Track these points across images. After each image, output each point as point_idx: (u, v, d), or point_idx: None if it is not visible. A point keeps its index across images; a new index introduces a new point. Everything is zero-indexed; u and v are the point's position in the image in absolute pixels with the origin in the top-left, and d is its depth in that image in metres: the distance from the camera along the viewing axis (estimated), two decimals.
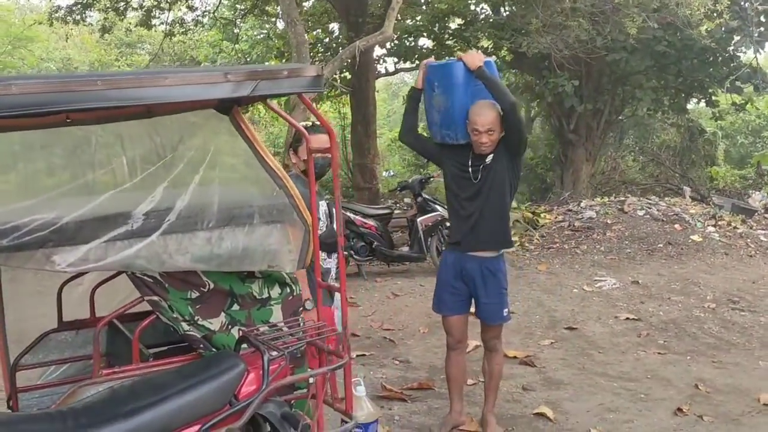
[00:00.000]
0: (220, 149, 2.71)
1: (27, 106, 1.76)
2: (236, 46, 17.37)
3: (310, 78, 2.18)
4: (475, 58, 3.51)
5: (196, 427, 2.20)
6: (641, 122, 17.37)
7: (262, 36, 18.07)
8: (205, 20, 15.15)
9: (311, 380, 2.63)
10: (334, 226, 3.68)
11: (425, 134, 4.23)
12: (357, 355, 5.28)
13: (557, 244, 9.24)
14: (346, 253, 7.67)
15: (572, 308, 6.62)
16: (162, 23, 14.19)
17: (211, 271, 2.71)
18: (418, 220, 7.93)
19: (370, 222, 7.85)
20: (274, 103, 2.58)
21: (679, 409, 4.23)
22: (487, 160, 3.57)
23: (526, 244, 9.42)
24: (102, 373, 2.57)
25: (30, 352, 3.08)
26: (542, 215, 10.47)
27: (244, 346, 2.59)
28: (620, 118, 14.91)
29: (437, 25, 13.91)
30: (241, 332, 2.64)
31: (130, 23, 14.28)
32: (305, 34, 6.72)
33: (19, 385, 3.04)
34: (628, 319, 6.24)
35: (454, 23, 14.43)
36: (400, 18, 13.69)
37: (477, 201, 3.60)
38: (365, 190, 12.13)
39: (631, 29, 9.91)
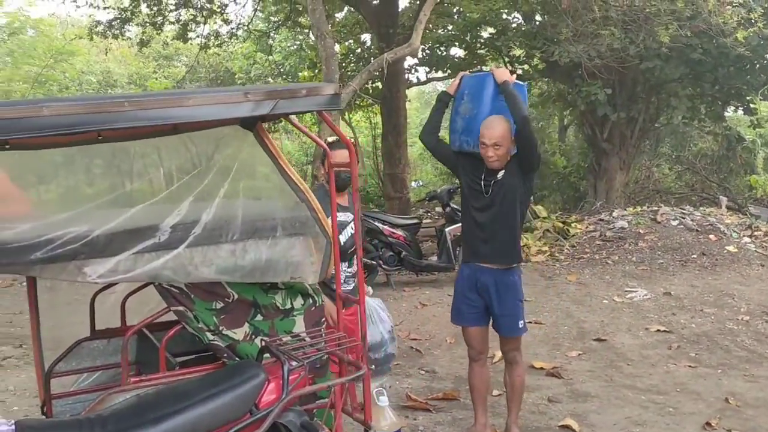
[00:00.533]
0: (244, 164, 2.79)
1: (58, 127, 1.85)
2: (270, 57, 17.63)
3: (328, 96, 2.24)
4: (504, 73, 3.58)
5: None
6: (677, 130, 17.11)
7: (295, 47, 18.31)
8: (240, 33, 15.42)
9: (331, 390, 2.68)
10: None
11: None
12: None
13: (588, 254, 9.16)
14: (374, 262, 7.74)
15: (602, 319, 6.56)
16: (198, 36, 14.50)
17: (235, 282, 2.79)
18: (447, 229, 7.96)
19: (399, 232, 7.90)
20: (296, 119, 2.65)
21: (708, 424, 4.18)
22: (498, 176, 3.60)
23: (557, 254, 9.36)
24: (130, 381, 2.65)
25: (64, 359, 3.20)
26: (573, 225, 10.39)
27: (267, 355, 2.65)
28: (656, 126, 14.71)
29: (469, 34, 13.93)
30: (263, 342, 2.71)
31: (167, 37, 14.61)
32: (335, 47, 6.81)
33: (54, 392, 3.16)
34: (659, 331, 6.17)
35: (486, 32, 14.44)
36: (432, 28, 13.78)
37: (488, 214, 3.64)
38: (395, 199, 12.19)
39: (663, 37, 9.83)
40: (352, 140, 17.51)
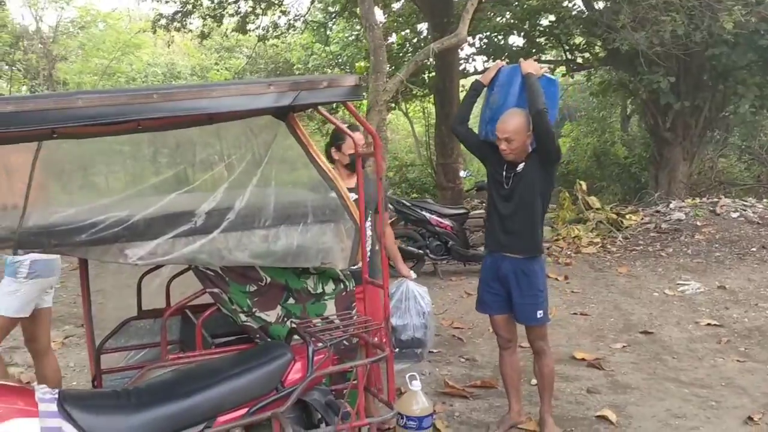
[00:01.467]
0: (276, 153, 2.91)
1: (93, 117, 2.00)
2: (327, 48, 17.85)
3: (349, 88, 2.33)
4: (531, 65, 3.59)
5: (244, 410, 2.40)
6: (746, 120, 16.46)
7: (352, 38, 18.47)
8: (298, 24, 15.66)
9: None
10: None
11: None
12: None
13: (641, 247, 8.99)
14: (421, 251, 7.81)
15: (650, 312, 6.46)
16: (257, 28, 14.81)
17: (268, 266, 2.92)
18: None
19: (446, 221, 7.94)
20: (323, 109, 2.74)
21: (750, 418, 4.10)
22: (518, 168, 3.61)
23: (608, 246, 9.21)
24: (168, 357, 2.82)
25: (113, 338, 3.41)
26: (628, 216, 10.18)
27: (296, 337, 2.77)
28: (724, 115, 14.19)
29: (527, 22, 13.72)
30: (290, 324, 2.83)
31: (226, 29, 14.98)
32: (382, 38, 6.88)
33: (104, 368, 3.37)
34: (709, 325, 6.03)
35: (546, 20, 14.22)
36: (491, 14, 13.65)
37: (509, 205, 3.66)
38: (448, 189, 12.21)
39: (727, 23, 9.49)
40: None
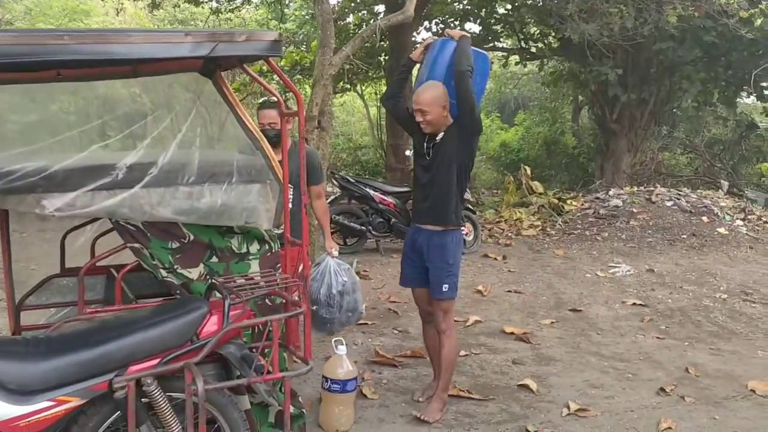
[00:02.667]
0: (201, 111, 2.91)
1: None
2: (283, 25, 17.63)
3: (268, 42, 2.35)
4: (459, 33, 3.67)
5: (156, 360, 2.42)
6: (690, 115, 16.94)
7: (309, 16, 18.27)
8: None
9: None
10: None
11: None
12: (358, 324, 5.46)
13: (578, 230, 9.24)
14: (363, 228, 7.87)
15: (581, 291, 6.67)
16: (210, 0, 14.53)
17: (192, 224, 2.93)
18: None
19: (389, 199, 8.01)
20: (250, 68, 2.75)
21: (662, 389, 4.29)
22: (437, 139, 3.65)
23: (548, 229, 9.44)
24: (86, 311, 2.82)
25: (34, 294, 3.38)
26: (569, 202, 10.44)
27: (217, 294, 2.79)
28: (670, 109, 14.58)
29: (484, 9, 13.79)
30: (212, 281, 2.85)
31: None
32: (331, 12, 6.84)
33: (24, 324, 3.34)
34: (634, 304, 6.27)
35: (502, 8, 14.32)
36: (447, 1, 13.68)
37: (427, 176, 3.70)
38: (397, 170, 12.24)
39: (671, 17, 9.75)
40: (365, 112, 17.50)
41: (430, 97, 3.55)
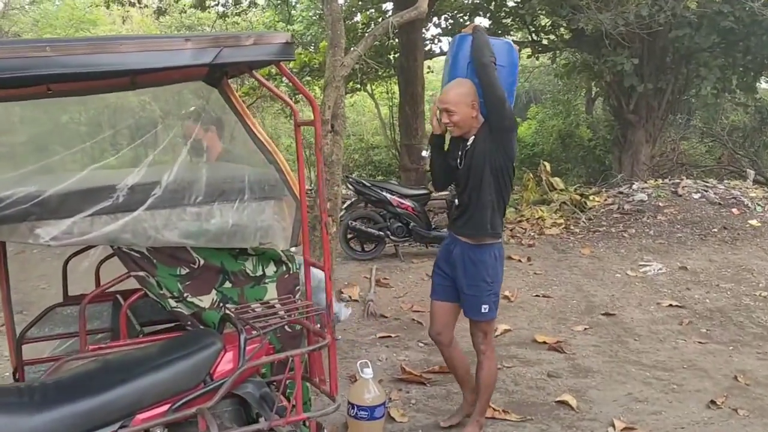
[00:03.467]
0: (208, 123, 2.66)
1: None
2: (290, 27, 17.39)
3: (279, 45, 2.08)
4: (470, 27, 3.34)
5: (167, 406, 2.16)
6: (708, 102, 16.54)
7: (316, 17, 18.03)
8: (260, 1, 15.19)
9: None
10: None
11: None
12: (381, 337, 5.21)
13: (604, 227, 8.90)
14: (382, 233, 7.61)
15: (612, 293, 6.36)
16: (217, 4, 14.32)
17: (201, 247, 2.68)
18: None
19: (407, 202, 7.73)
20: (259, 74, 2.49)
21: (713, 402, 3.99)
22: (468, 144, 3.32)
23: (572, 227, 9.11)
24: (88, 348, 2.57)
25: (36, 325, 3.14)
26: (591, 198, 10.10)
27: (230, 325, 2.54)
28: (687, 97, 14.20)
29: (493, 2, 13.51)
30: (225, 310, 2.59)
31: (184, 5, 14.47)
32: (340, 11, 6.59)
33: (27, 358, 3.10)
34: (670, 306, 5.95)
35: (512, 1, 14.02)
36: None
37: (461, 184, 3.39)
38: (412, 171, 11.98)
39: (690, 3, 9.42)
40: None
41: (456, 94, 3.23)
